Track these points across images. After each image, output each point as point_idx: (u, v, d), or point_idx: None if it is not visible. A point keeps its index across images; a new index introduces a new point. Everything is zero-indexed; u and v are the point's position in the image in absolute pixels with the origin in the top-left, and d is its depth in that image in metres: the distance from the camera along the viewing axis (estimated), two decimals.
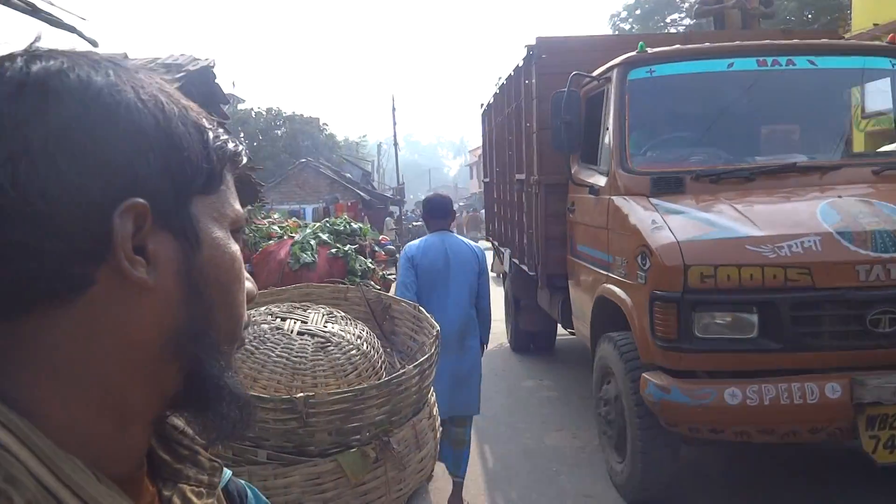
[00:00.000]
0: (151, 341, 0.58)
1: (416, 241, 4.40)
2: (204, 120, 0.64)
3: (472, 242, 4.51)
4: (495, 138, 8.89)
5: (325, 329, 2.41)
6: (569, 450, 5.19)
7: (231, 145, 0.66)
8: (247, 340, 2.40)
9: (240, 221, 0.69)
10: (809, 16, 23.83)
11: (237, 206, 0.69)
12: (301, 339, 2.35)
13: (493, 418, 5.98)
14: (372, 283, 5.92)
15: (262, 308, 2.56)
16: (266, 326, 2.39)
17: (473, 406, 4.26)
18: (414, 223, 12.33)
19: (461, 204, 46.95)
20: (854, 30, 11.57)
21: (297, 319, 2.45)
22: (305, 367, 2.27)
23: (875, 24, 10.61)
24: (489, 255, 10.73)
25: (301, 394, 2.08)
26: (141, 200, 0.54)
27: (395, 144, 29.83)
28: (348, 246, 5.74)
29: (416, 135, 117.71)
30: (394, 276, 13.94)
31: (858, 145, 11.60)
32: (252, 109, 30.66)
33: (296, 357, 2.29)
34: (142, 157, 0.56)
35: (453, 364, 3.95)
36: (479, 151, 46.98)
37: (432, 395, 2.48)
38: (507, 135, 7.60)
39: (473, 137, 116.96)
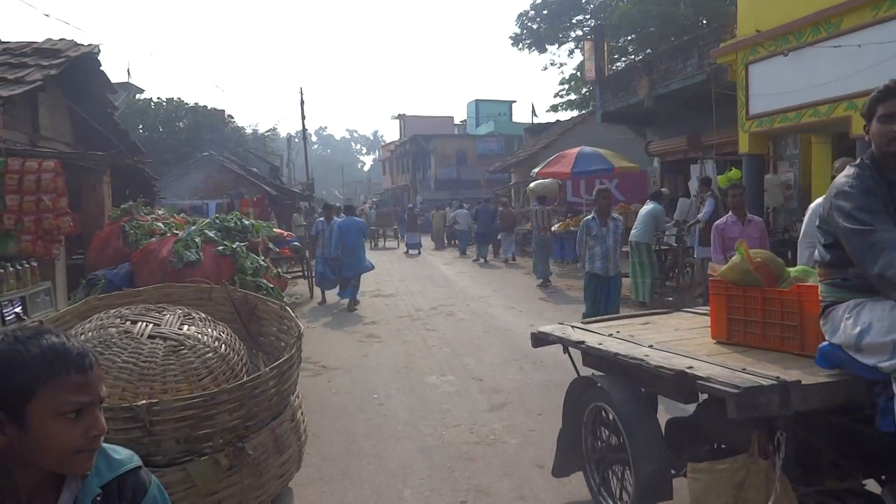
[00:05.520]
0: None
1: (339, 219, 13.11)
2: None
3: (359, 219, 13.58)
4: None
5: (180, 332, 2.27)
6: (465, 445, 5.19)
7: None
8: (91, 344, 2.24)
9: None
10: (704, 21, 25.06)
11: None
12: (151, 343, 2.21)
13: (393, 416, 5.93)
14: (265, 281, 5.73)
15: (113, 311, 2.39)
16: (114, 330, 2.24)
17: (359, 269, 12.31)
18: (318, 218, 13.83)
19: (374, 200, 46.78)
20: (739, 35, 12.19)
21: (150, 322, 2.30)
22: (154, 373, 2.13)
23: (757, 31, 11.21)
24: None
25: (143, 401, 1.96)
26: None
27: (305, 139, 29.21)
28: (237, 243, 5.51)
29: (329, 129, 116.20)
30: (293, 274, 13.65)
31: (744, 145, 12.26)
32: (151, 100, 29.31)
33: (144, 362, 2.15)
34: None
35: (353, 258, 12.22)
36: (392, 147, 47.37)
37: (297, 396, 2.39)
38: None
39: (388, 132, 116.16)
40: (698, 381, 2.73)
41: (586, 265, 7.98)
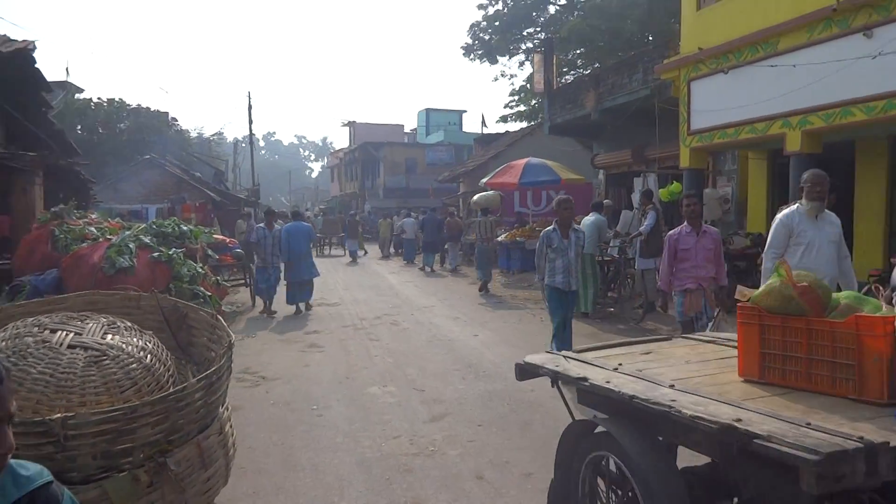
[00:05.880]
0: None
1: (288, 224, 12.94)
2: None
3: (306, 224, 13.69)
4: None
5: (103, 341, 2.17)
6: (404, 456, 5.14)
7: None
8: (4, 355, 2.13)
9: None
10: (649, 38, 25.75)
11: None
12: (71, 353, 2.10)
13: (332, 428, 5.83)
14: (202, 289, 5.58)
15: (31, 319, 2.27)
16: (30, 339, 2.12)
17: (308, 275, 12.34)
18: (258, 224, 13.22)
19: (321, 207, 46.44)
20: (682, 52, 12.54)
21: (71, 331, 2.19)
22: (72, 384, 2.03)
23: (700, 49, 11.55)
24: None
25: (58, 414, 1.86)
26: None
27: (251, 143, 28.76)
28: (174, 249, 5.35)
29: (277, 134, 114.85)
30: (235, 282, 13.40)
31: (685, 160, 12.60)
32: (91, 100, 28.39)
33: (62, 373, 2.05)
34: None
35: (303, 263, 12.24)
36: (341, 154, 47.21)
37: (226, 408, 2.31)
38: None
39: (337, 139, 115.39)
40: (756, 441, 2.13)
41: (545, 278, 7.52)
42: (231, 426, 2.38)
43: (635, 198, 14.15)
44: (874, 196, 10.83)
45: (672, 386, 2.71)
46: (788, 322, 2.70)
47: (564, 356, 3.43)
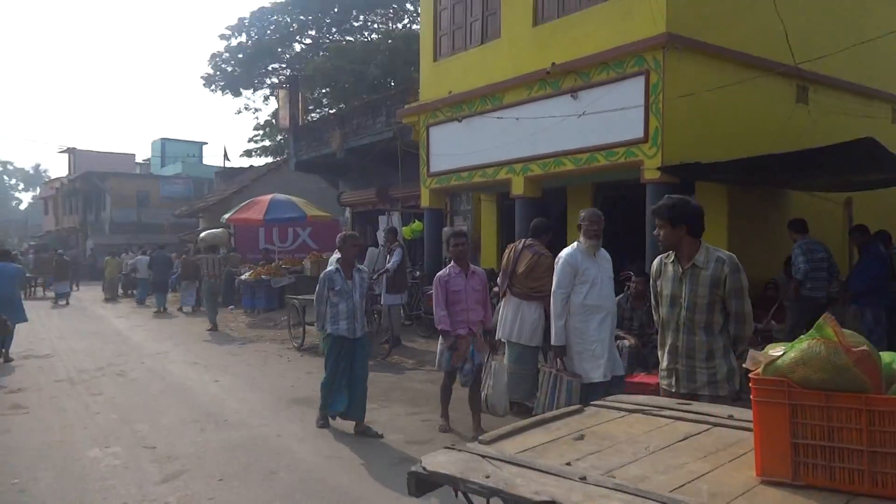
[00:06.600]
0: None
1: None
2: None
3: (16, 265, 12.18)
4: None
5: None
6: None
7: None
8: None
9: None
10: (392, 82, 26.93)
11: None
12: None
13: None
14: None
15: None
16: None
17: (17, 319, 11.04)
18: None
19: (31, 243, 40.93)
20: (421, 99, 13.26)
21: None
22: None
23: (450, 92, 12.24)
24: None
25: None
26: None
27: None
28: None
29: None
30: None
31: (425, 200, 13.25)
32: None
33: None
34: None
35: (7, 307, 10.57)
36: (58, 184, 42.25)
37: None
38: None
39: (54, 167, 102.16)
40: None
41: (327, 326, 6.66)
42: None
43: (380, 235, 14.52)
44: None
45: None
46: (834, 401, 1.96)
47: (484, 456, 2.37)
